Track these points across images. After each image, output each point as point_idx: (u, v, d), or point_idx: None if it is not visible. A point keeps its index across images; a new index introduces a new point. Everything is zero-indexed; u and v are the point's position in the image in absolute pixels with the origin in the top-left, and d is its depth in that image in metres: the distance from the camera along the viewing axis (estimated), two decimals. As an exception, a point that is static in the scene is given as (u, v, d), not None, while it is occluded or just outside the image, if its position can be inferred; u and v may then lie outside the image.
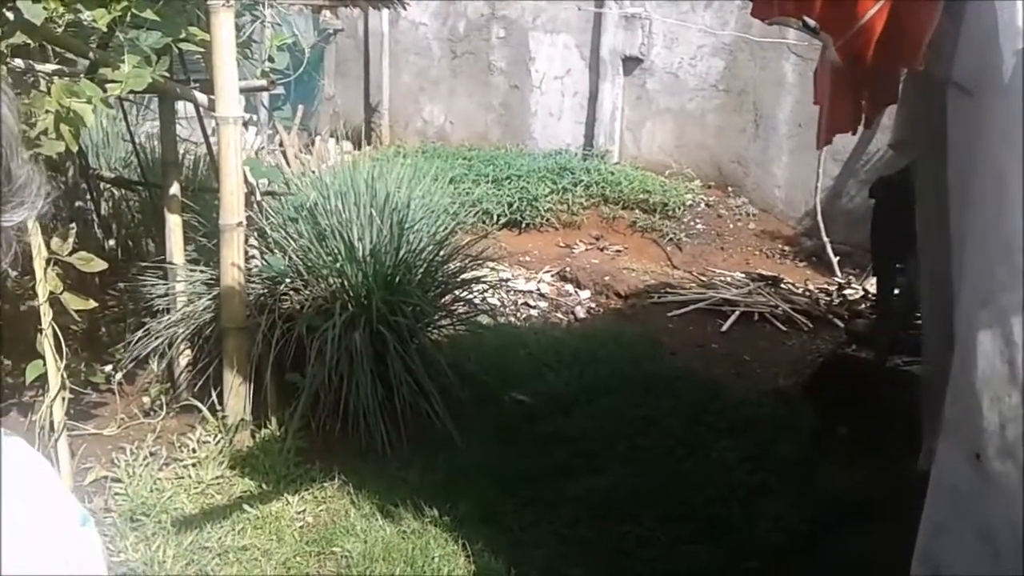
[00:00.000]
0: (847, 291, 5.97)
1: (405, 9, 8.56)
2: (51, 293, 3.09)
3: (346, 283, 3.92)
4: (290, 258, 3.93)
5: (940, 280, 3.19)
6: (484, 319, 4.67)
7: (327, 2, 8.39)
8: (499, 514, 3.22)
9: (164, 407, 3.83)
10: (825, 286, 6.17)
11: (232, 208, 3.52)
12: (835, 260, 6.39)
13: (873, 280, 5.26)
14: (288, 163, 7.51)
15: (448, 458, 3.55)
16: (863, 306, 5.62)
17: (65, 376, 3.26)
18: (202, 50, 3.35)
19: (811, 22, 2.35)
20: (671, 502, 3.31)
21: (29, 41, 2.84)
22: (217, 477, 3.40)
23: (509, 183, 7.27)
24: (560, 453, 3.69)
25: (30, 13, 2.66)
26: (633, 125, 8.09)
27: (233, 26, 3.34)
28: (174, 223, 3.79)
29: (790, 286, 6.13)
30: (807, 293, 6.01)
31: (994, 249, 1.60)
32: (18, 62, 2.95)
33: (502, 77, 8.77)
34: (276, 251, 3.97)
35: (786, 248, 6.91)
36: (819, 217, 6.57)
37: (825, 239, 6.49)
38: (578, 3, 8.04)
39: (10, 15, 2.73)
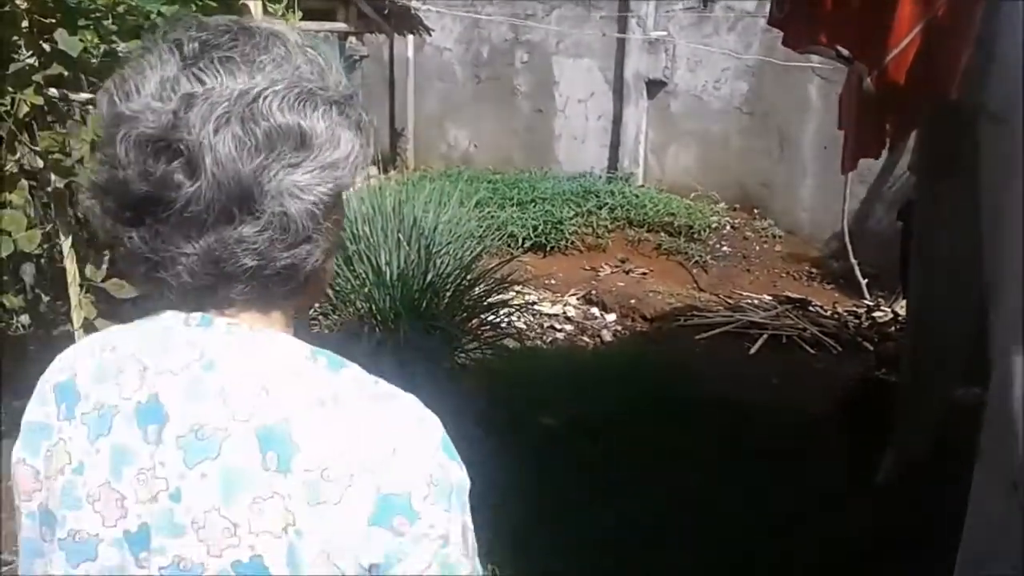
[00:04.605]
0: (876, 314, 5.92)
1: (430, 35, 8.67)
2: (85, 319, 3.13)
3: (374, 307, 3.95)
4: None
5: (938, 295, 3.20)
6: (511, 343, 4.68)
7: (353, 29, 8.49)
8: (528, 540, 3.21)
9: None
10: (854, 309, 6.12)
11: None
12: (864, 282, 6.35)
13: (903, 303, 5.22)
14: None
15: (476, 483, 3.54)
16: (893, 329, 5.57)
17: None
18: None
19: (845, 51, 2.36)
20: (701, 531, 3.27)
21: (65, 72, 2.90)
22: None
23: (534, 206, 7.30)
24: (588, 479, 3.67)
25: (67, 45, 2.71)
26: (657, 148, 8.10)
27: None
28: (204, 249, 3.82)
29: (818, 309, 6.09)
30: (835, 316, 5.97)
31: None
32: (54, 92, 3.01)
33: (526, 101, 8.82)
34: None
35: (813, 270, 6.87)
36: (847, 239, 6.53)
37: (853, 261, 6.45)
38: (601, 28, 8.09)
39: (47, 47, 2.79)
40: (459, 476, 0.90)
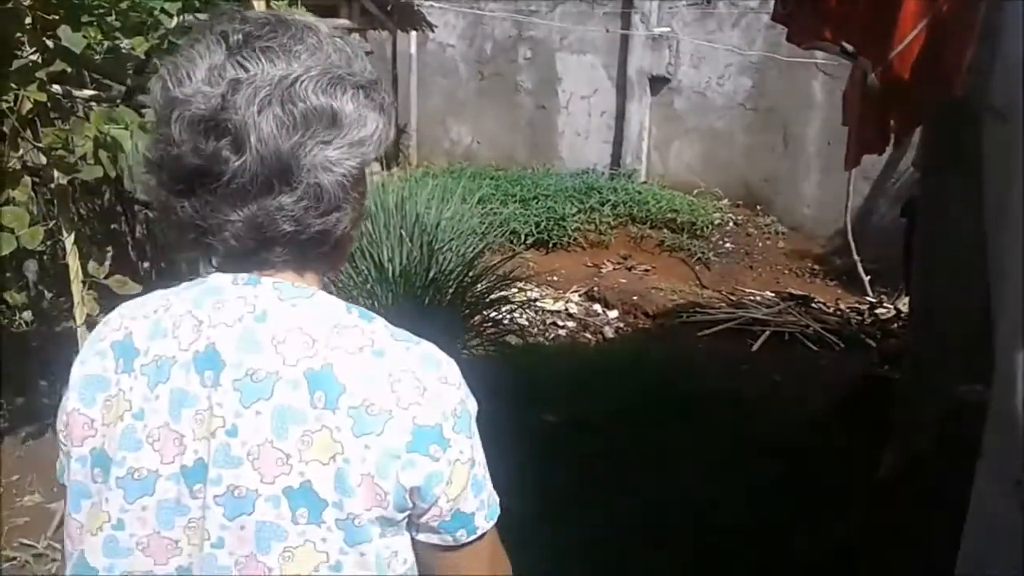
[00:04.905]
0: (879, 310, 5.92)
1: (433, 31, 8.66)
2: (88, 316, 3.13)
3: (376, 303, 3.96)
4: (321, 279, 3.96)
5: (941, 293, 3.19)
6: (513, 339, 4.67)
7: (356, 25, 8.48)
8: (529, 536, 3.21)
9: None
10: (856, 305, 6.11)
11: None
12: (866, 279, 6.34)
13: (906, 299, 5.22)
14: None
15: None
16: (895, 325, 5.56)
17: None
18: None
19: (849, 47, 2.36)
20: (704, 527, 3.28)
21: (68, 68, 2.90)
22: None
23: (536, 203, 7.30)
24: (590, 475, 3.67)
25: (70, 41, 2.71)
26: (660, 144, 8.09)
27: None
28: (207, 245, 3.82)
29: (821, 305, 6.08)
30: (838, 312, 5.96)
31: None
32: (57, 88, 3.01)
33: (529, 97, 8.82)
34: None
35: (816, 267, 6.86)
36: (850, 236, 6.52)
37: (856, 258, 6.44)
38: (605, 24, 8.08)
39: (50, 43, 2.78)
40: (473, 405, 1.05)
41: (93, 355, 1.07)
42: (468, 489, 1.02)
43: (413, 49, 9.40)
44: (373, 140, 1.01)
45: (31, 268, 3.62)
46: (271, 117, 0.94)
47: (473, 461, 1.03)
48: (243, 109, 0.94)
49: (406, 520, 1.01)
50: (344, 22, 8.43)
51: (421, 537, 1.03)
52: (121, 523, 1.01)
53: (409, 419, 0.97)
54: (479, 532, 1.04)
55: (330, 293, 1.05)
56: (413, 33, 8.99)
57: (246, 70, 0.95)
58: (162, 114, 0.98)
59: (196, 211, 0.98)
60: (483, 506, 1.04)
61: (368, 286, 3.94)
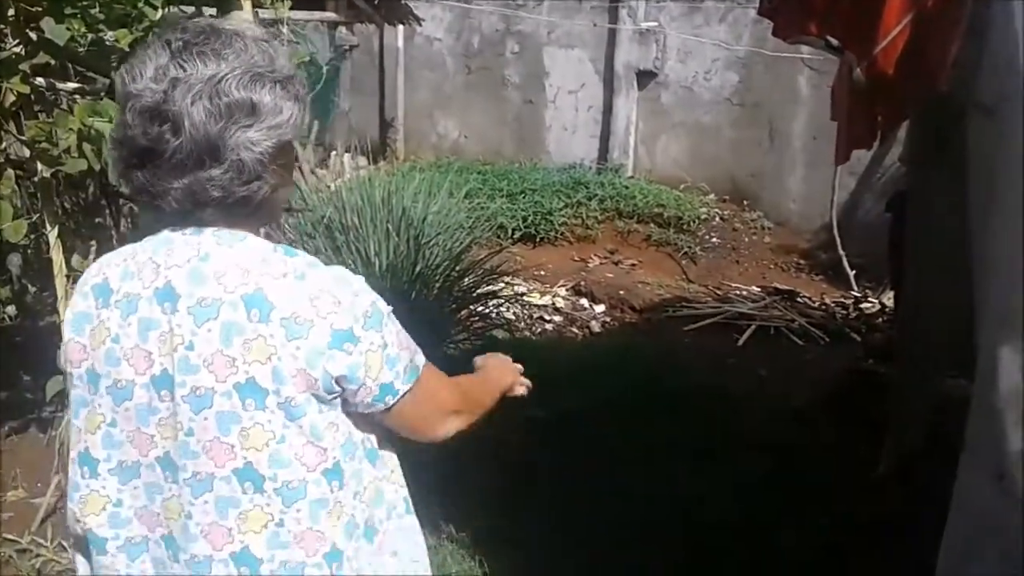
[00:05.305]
0: (864, 305, 5.95)
1: (420, 25, 8.63)
2: (72, 309, 3.11)
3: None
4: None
5: (929, 289, 3.20)
6: (500, 334, 4.67)
7: (343, 19, 8.45)
8: (516, 531, 3.21)
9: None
10: (842, 300, 6.14)
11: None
12: (851, 274, 6.37)
13: (890, 294, 5.25)
14: (304, 178, 7.54)
15: (465, 475, 3.54)
16: (880, 320, 5.59)
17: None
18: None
19: (834, 42, 2.36)
20: (691, 522, 3.28)
21: (52, 61, 2.87)
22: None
23: (523, 197, 7.30)
24: (576, 470, 3.67)
25: (53, 33, 2.69)
26: (647, 139, 8.10)
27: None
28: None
29: (806, 300, 6.11)
30: (823, 307, 5.99)
31: (1014, 268, 1.60)
32: (40, 81, 2.98)
33: (516, 92, 8.81)
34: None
35: (802, 262, 6.89)
36: (835, 230, 6.55)
37: (841, 252, 6.47)
38: (592, 18, 8.07)
39: (33, 35, 2.76)
40: (384, 306, 1.34)
41: (80, 297, 1.37)
42: (384, 367, 1.32)
43: (400, 43, 9.36)
44: (288, 124, 1.29)
45: (15, 262, 3.59)
46: (201, 108, 1.21)
47: (385, 345, 1.31)
48: (179, 101, 1.21)
49: (339, 399, 1.31)
50: (331, 15, 8.40)
51: (362, 410, 1.34)
52: (114, 421, 1.32)
53: (328, 325, 1.26)
54: (401, 392, 1.35)
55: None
56: (400, 27, 8.96)
57: (184, 70, 1.22)
58: (121, 104, 1.27)
59: (147, 180, 1.26)
60: (399, 375, 1.34)
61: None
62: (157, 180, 1.25)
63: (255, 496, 1.27)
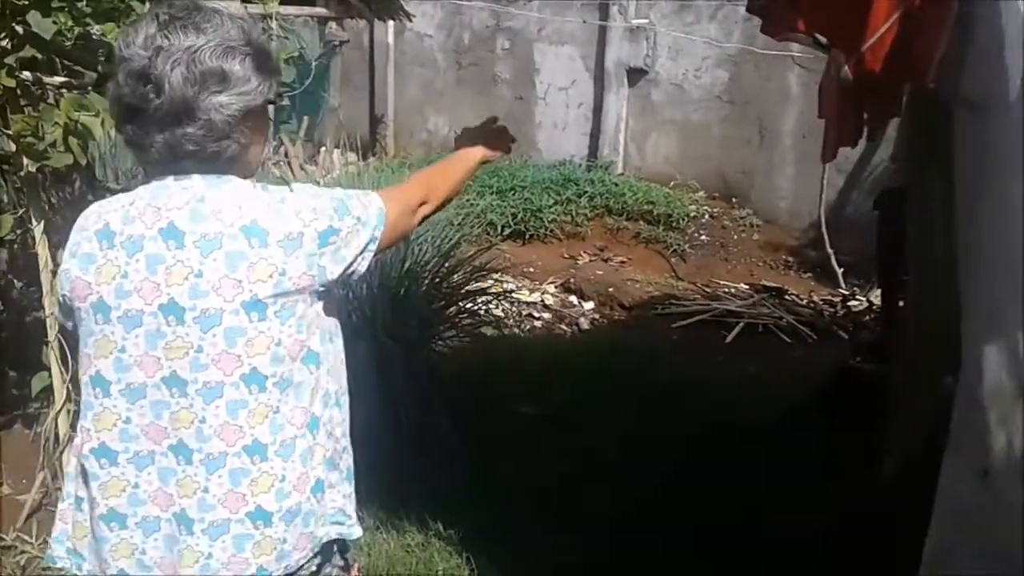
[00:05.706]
0: (852, 303, 5.97)
1: (411, 21, 8.61)
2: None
3: (350, 294, 3.93)
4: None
5: (929, 289, 3.20)
6: (488, 331, 4.67)
7: (333, 14, 8.42)
8: (504, 527, 3.21)
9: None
10: (830, 297, 6.16)
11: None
12: (839, 271, 6.39)
13: (878, 292, 5.26)
14: (293, 174, 7.53)
15: (452, 470, 3.54)
16: (868, 317, 5.61)
17: (71, 388, 3.26)
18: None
19: (822, 39, 2.36)
20: (679, 518, 3.28)
21: (38, 54, 2.85)
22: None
23: (513, 194, 7.29)
24: (565, 466, 3.67)
25: (40, 27, 2.67)
26: (637, 136, 8.11)
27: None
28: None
29: (795, 297, 6.12)
30: (812, 304, 6.01)
31: (1000, 264, 1.60)
32: (27, 75, 2.96)
33: (507, 88, 8.80)
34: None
35: (790, 259, 6.91)
36: (823, 228, 6.57)
37: (829, 250, 6.49)
38: (583, 15, 8.07)
39: (20, 29, 2.74)
40: (343, 192, 1.60)
41: (83, 240, 1.52)
42: (363, 228, 1.58)
43: (390, 39, 9.34)
44: (256, 91, 1.49)
45: (0, 257, 3.57)
46: (179, 74, 1.42)
47: (357, 219, 1.57)
48: (161, 67, 1.42)
49: (340, 280, 1.56)
50: (320, 11, 8.37)
51: (360, 270, 1.60)
52: (124, 347, 1.48)
53: (314, 231, 1.50)
54: (380, 236, 1.61)
55: None
56: (391, 23, 8.94)
57: (168, 40, 1.43)
58: (117, 66, 1.47)
59: (134, 133, 1.48)
60: (374, 227, 1.60)
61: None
62: (144, 133, 1.46)
63: (259, 395, 1.47)
